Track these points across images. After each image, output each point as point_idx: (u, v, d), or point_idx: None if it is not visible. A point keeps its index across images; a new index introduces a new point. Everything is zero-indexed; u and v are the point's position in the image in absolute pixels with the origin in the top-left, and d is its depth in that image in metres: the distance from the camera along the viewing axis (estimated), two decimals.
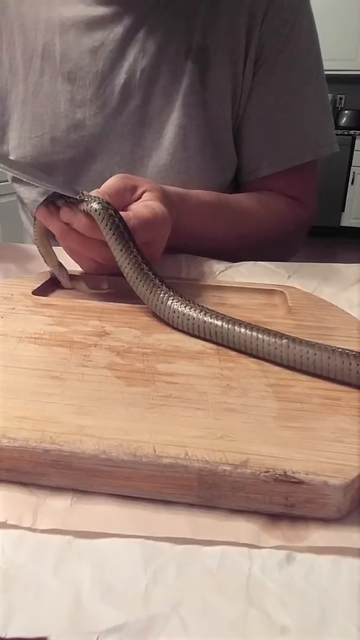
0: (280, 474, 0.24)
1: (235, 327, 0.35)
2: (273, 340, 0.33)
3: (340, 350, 0.31)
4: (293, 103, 0.66)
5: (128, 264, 0.40)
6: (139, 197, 0.48)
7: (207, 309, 0.37)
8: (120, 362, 0.33)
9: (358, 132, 4.43)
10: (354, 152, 4.48)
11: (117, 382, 0.31)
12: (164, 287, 0.39)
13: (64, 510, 0.24)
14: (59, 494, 0.25)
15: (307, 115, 0.67)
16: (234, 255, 0.57)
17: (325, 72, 0.68)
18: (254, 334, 0.34)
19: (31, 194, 0.72)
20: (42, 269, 0.50)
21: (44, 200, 0.43)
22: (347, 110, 4.67)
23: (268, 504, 0.24)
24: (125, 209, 0.46)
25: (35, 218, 0.45)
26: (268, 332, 0.34)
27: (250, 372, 0.33)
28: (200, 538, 0.23)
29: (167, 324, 0.39)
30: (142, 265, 0.40)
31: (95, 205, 0.40)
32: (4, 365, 0.32)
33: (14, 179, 0.75)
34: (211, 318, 0.36)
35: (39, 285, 0.45)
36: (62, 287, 0.48)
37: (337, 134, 0.75)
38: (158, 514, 0.24)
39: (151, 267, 0.41)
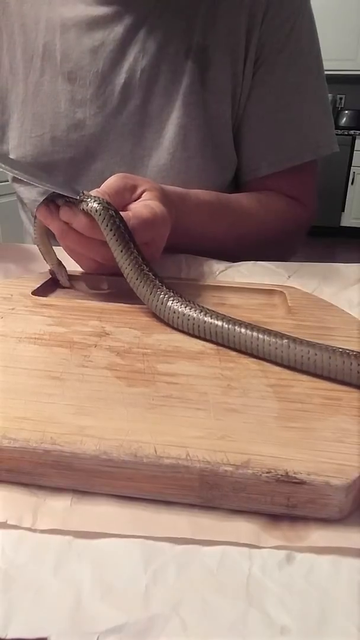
0: (281, 475, 0.24)
1: (236, 327, 0.35)
2: (274, 340, 0.33)
3: (340, 350, 0.31)
4: (293, 103, 0.66)
5: (128, 264, 0.40)
6: (139, 197, 0.48)
7: (207, 309, 0.37)
8: (121, 363, 0.33)
9: (358, 132, 4.43)
10: (354, 152, 4.48)
11: (117, 383, 0.31)
12: (164, 288, 0.39)
13: (64, 511, 0.24)
14: (59, 494, 0.25)
15: (307, 115, 0.67)
16: (233, 255, 0.57)
17: (325, 72, 0.68)
18: (255, 334, 0.34)
19: (31, 193, 0.72)
20: (42, 269, 0.50)
21: (44, 200, 0.43)
22: (347, 110, 4.67)
23: (270, 504, 0.24)
24: (124, 208, 0.46)
25: (35, 217, 0.45)
26: (268, 332, 0.34)
27: (251, 372, 0.33)
28: (200, 538, 0.23)
29: (167, 324, 0.39)
30: (142, 266, 0.40)
31: (95, 205, 0.40)
32: (3, 365, 0.32)
33: (14, 179, 0.75)
34: (211, 318, 0.36)
35: (38, 286, 0.45)
36: (62, 287, 0.48)
37: (337, 134, 0.75)
38: (158, 514, 0.24)
39: (151, 267, 0.41)
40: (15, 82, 0.67)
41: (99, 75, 0.64)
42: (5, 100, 0.69)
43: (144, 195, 0.48)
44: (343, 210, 4.65)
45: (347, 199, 4.63)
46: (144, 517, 0.24)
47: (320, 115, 0.68)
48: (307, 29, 0.65)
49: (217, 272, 0.54)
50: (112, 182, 0.47)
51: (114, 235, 0.40)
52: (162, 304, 0.38)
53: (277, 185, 0.69)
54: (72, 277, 0.49)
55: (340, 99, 4.81)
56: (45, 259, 0.47)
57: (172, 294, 0.39)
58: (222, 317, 0.36)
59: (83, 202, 0.41)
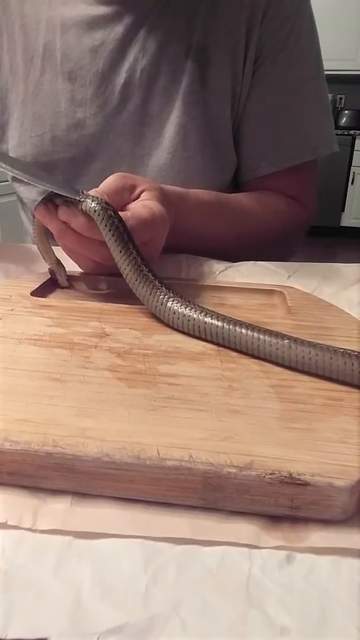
0: (285, 476, 0.24)
1: (237, 328, 0.35)
2: (275, 340, 0.33)
3: (342, 350, 0.31)
4: (293, 103, 0.66)
5: (127, 265, 0.40)
6: (137, 197, 0.48)
7: (208, 309, 0.37)
8: (121, 364, 0.33)
9: (358, 132, 4.43)
10: (354, 152, 4.48)
11: (118, 384, 0.31)
12: (164, 289, 0.39)
13: (64, 511, 0.24)
14: (59, 495, 0.25)
15: (306, 115, 0.67)
16: (233, 255, 0.57)
17: (325, 72, 0.68)
18: (256, 334, 0.34)
19: (31, 193, 0.72)
20: (41, 270, 0.50)
21: (42, 199, 0.43)
22: (347, 110, 4.67)
23: (273, 506, 0.24)
24: (123, 208, 0.46)
25: (34, 216, 0.45)
26: (269, 332, 0.34)
27: (252, 373, 0.33)
28: (200, 538, 0.23)
29: (167, 325, 0.39)
30: (141, 267, 0.40)
31: (94, 205, 0.40)
32: (4, 367, 0.32)
33: (14, 178, 0.75)
34: (212, 319, 0.36)
35: (37, 286, 0.45)
36: (61, 287, 0.48)
37: (337, 134, 0.75)
38: (158, 515, 0.24)
39: (150, 268, 0.41)
40: (16, 81, 0.67)
41: (99, 75, 0.64)
42: (5, 99, 0.69)
43: (143, 195, 0.48)
44: (343, 210, 4.65)
45: (347, 199, 4.63)
46: (144, 517, 0.24)
47: (320, 115, 0.68)
48: (307, 28, 0.65)
49: (217, 272, 0.54)
50: (110, 181, 0.47)
51: (113, 235, 0.40)
52: (161, 304, 0.38)
53: (276, 185, 0.69)
54: (71, 278, 0.48)
55: (340, 99, 4.80)
56: (44, 258, 0.47)
57: (171, 294, 0.39)
58: (223, 318, 0.36)
59: (82, 202, 0.41)
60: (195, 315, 0.37)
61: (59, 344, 0.35)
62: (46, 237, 0.46)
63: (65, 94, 0.65)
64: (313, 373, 0.32)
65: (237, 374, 0.32)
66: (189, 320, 0.37)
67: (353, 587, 0.21)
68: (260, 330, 0.34)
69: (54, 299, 0.44)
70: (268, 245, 0.68)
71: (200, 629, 0.20)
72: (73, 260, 0.48)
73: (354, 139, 4.44)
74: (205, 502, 0.24)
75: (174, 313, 0.38)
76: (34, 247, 0.47)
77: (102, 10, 0.63)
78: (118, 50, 0.63)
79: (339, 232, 4.63)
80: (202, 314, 0.37)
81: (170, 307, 0.38)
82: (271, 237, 0.68)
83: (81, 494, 0.25)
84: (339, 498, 0.23)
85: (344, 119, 4.63)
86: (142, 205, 0.45)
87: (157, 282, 0.40)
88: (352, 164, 4.53)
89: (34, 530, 0.23)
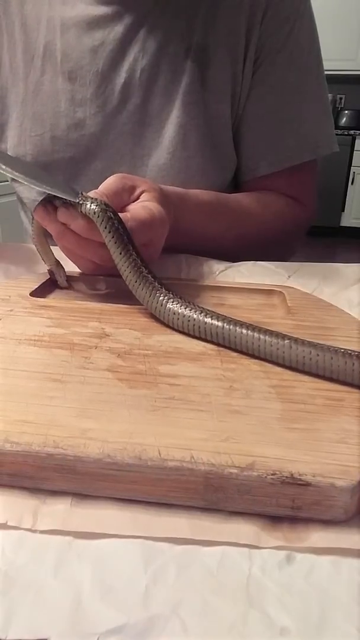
0: (287, 477, 0.24)
1: (237, 328, 0.35)
2: (275, 340, 0.33)
3: (342, 350, 0.31)
4: (292, 103, 0.66)
5: (127, 267, 0.40)
6: (137, 198, 0.48)
7: (208, 310, 0.37)
8: (122, 364, 0.33)
9: (358, 132, 4.43)
10: (354, 152, 4.48)
11: (119, 385, 0.31)
12: (164, 290, 0.39)
13: (64, 511, 0.24)
14: (59, 496, 0.25)
15: (306, 115, 0.67)
16: (233, 255, 0.57)
17: (325, 72, 0.68)
18: (256, 334, 0.34)
19: (31, 193, 0.72)
20: (41, 270, 0.50)
21: (41, 200, 0.43)
22: (347, 110, 4.67)
23: (275, 506, 0.24)
24: (123, 209, 0.46)
25: (33, 217, 0.45)
26: (270, 332, 0.34)
27: (253, 373, 0.33)
28: (200, 538, 0.23)
29: (167, 325, 0.39)
30: (141, 268, 0.40)
31: (94, 207, 0.40)
32: (4, 368, 0.32)
33: (14, 178, 0.75)
34: (212, 319, 0.36)
35: (36, 287, 0.45)
36: (60, 287, 0.48)
37: (337, 134, 0.75)
38: (158, 515, 0.24)
39: (150, 269, 0.41)
40: (15, 81, 0.67)
41: (99, 75, 0.64)
42: (5, 99, 0.69)
43: (143, 196, 0.48)
44: (343, 210, 4.65)
45: (347, 199, 4.63)
46: (144, 517, 0.24)
47: (320, 115, 0.68)
48: (307, 28, 0.65)
49: (217, 272, 0.54)
50: (110, 183, 0.47)
51: (113, 237, 0.40)
52: (161, 305, 0.38)
53: (276, 185, 0.69)
54: (70, 278, 0.48)
55: (340, 99, 4.80)
56: (43, 260, 0.47)
57: (171, 295, 0.39)
58: (223, 318, 0.36)
59: (81, 204, 0.41)
60: (195, 316, 0.37)
61: (58, 344, 0.35)
62: (45, 238, 0.46)
63: (65, 93, 0.65)
64: (314, 373, 0.32)
65: (238, 374, 0.32)
66: (189, 320, 0.37)
67: (353, 587, 0.21)
68: (260, 330, 0.34)
69: (54, 300, 0.44)
70: (268, 245, 0.68)
71: (200, 629, 0.20)
72: (72, 261, 0.48)
73: (354, 139, 4.44)
74: (206, 502, 0.24)
75: (174, 314, 0.38)
76: (34, 247, 0.47)
77: (102, 10, 0.63)
78: (118, 50, 0.63)
79: (339, 232, 4.63)
80: (202, 314, 0.37)
81: (170, 308, 0.38)
82: (271, 237, 0.68)
83: (81, 494, 0.25)
84: (340, 498, 0.23)
85: (344, 119, 4.63)
86: (142, 207, 0.45)
87: (156, 284, 0.40)
88: (352, 164, 4.53)
89: (34, 531, 0.23)
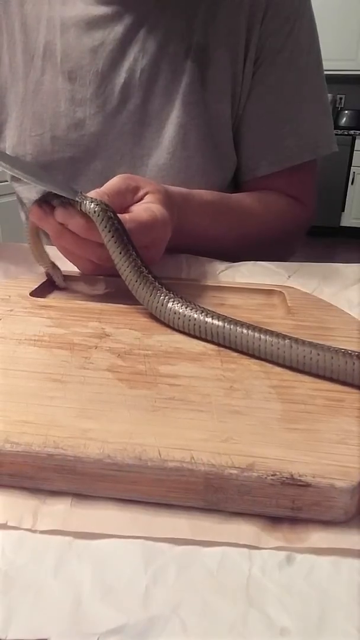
0: (287, 477, 0.24)
1: (237, 328, 0.35)
2: (276, 340, 0.33)
3: (343, 350, 0.31)
4: (292, 103, 0.66)
5: (127, 267, 0.40)
6: (141, 199, 0.48)
7: (208, 310, 0.37)
8: (122, 364, 0.33)
9: (358, 132, 4.43)
10: (354, 152, 4.48)
11: (119, 385, 0.31)
12: (164, 290, 0.39)
13: (64, 512, 0.24)
14: (59, 496, 0.25)
15: (306, 115, 0.67)
16: (235, 254, 0.57)
17: (325, 72, 0.68)
18: (257, 334, 0.34)
19: (30, 193, 0.72)
20: (41, 270, 0.50)
21: (37, 200, 0.43)
22: (347, 110, 4.67)
23: (275, 507, 0.24)
24: (126, 210, 0.46)
25: (27, 218, 0.44)
26: (270, 332, 0.34)
27: (253, 373, 0.33)
28: (200, 539, 0.23)
29: (167, 325, 0.39)
30: (141, 269, 0.40)
31: (94, 206, 0.40)
32: (4, 368, 0.32)
33: (13, 178, 0.75)
34: (213, 319, 0.36)
35: (36, 287, 0.45)
36: (58, 288, 0.48)
37: (337, 134, 0.75)
38: (158, 516, 0.24)
39: (150, 270, 0.40)
40: (15, 80, 0.67)
41: (99, 75, 0.64)
42: (4, 98, 0.69)
43: (146, 198, 0.48)
44: (343, 210, 4.65)
45: (347, 199, 4.63)
46: (144, 518, 0.24)
47: (319, 115, 0.68)
48: (307, 28, 0.65)
49: (217, 273, 0.54)
50: (114, 182, 0.46)
51: (113, 237, 0.40)
52: (162, 305, 0.38)
53: (276, 184, 0.69)
54: (70, 278, 0.48)
55: (340, 99, 4.80)
56: (38, 262, 0.46)
57: (172, 295, 0.39)
58: (224, 318, 0.36)
59: (81, 203, 0.41)
60: (196, 316, 0.37)
61: (58, 344, 0.35)
62: (40, 240, 0.46)
63: (65, 93, 0.65)
64: (314, 373, 0.32)
65: (238, 374, 0.32)
66: (189, 320, 0.37)
67: (353, 587, 0.21)
68: (261, 330, 0.34)
69: (54, 299, 0.44)
70: (269, 245, 0.68)
71: (200, 630, 0.20)
72: (70, 261, 0.47)
73: (354, 139, 4.44)
74: (206, 503, 0.24)
75: (175, 313, 0.38)
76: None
77: (102, 10, 0.63)
78: (118, 50, 0.63)
79: (339, 232, 4.63)
80: (203, 314, 0.37)
81: (171, 308, 0.38)
82: (272, 237, 0.68)
83: (81, 494, 0.25)
84: (340, 499, 0.23)
85: (344, 119, 4.63)
86: (144, 208, 0.45)
87: (157, 284, 0.39)
88: (352, 164, 4.53)
89: (34, 531, 0.23)
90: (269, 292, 0.47)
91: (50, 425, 0.26)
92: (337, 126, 4.39)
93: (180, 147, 0.65)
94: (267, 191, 0.69)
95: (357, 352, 0.31)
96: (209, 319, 0.36)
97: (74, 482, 0.25)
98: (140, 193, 0.48)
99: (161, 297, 0.39)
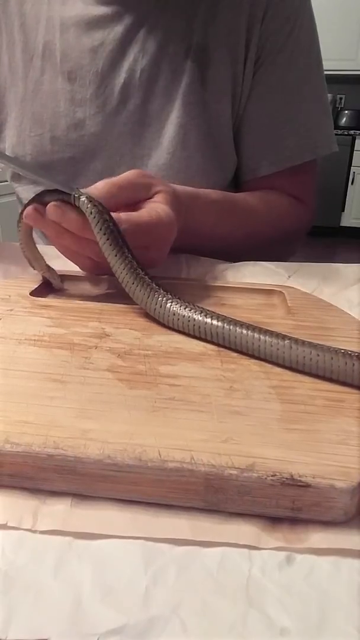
0: (287, 478, 0.24)
1: (237, 328, 0.35)
2: (275, 341, 0.33)
3: (343, 351, 0.31)
4: (293, 103, 0.66)
5: (123, 269, 0.39)
6: (151, 197, 0.48)
7: (208, 310, 0.37)
8: (122, 365, 0.33)
9: (358, 132, 4.43)
10: (354, 152, 4.48)
11: (119, 385, 0.31)
12: (161, 291, 0.39)
13: (64, 512, 0.24)
14: (59, 496, 0.25)
15: (306, 115, 0.67)
16: (239, 254, 0.57)
17: (325, 72, 0.68)
18: (257, 335, 0.34)
19: (29, 194, 0.72)
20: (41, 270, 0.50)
21: (30, 201, 0.42)
22: (347, 110, 4.67)
23: (274, 507, 0.24)
24: (136, 205, 0.45)
25: (19, 220, 0.43)
26: (270, 333, 0.34)
27: (253, 373, 0.33)
28: (200, 539, 0.23)
29: (166, 325, 0.39)
30: (137, 270, 0.39)
31: (87, 203, 0.39)
32: (4, 368, 0.32)
33: (13, 178, 0.75)
34: (213, 319, 0.36)
35: (36, 286, 0.45)
36: (56, 290, 0.48)
37: (337, 134, 0.75)
38: (158, 516, 0.24)
39: (147, 271, 0.40)
40: (14, 81, 0.67)
41: (99, 75, 0.64)
42: (3, 98, 0.69)
43: (156, 197, 0.47)
44: (343, 210, 4.65)
45: (347, 199, 4.62)
46: (144, 518, 0.24)
47: (319, 115, 0.68)
48: (307, 28, 0.65)
49: (217, 273, 0.54)
50: (128, 175, 0.46)
51: (108, 239, 0.39)
52: (161, 306, 0.38)
53: (277, 184, 0.69)
54: (69, 278, 0.48)
55: (340, 99, 4.80)
56: (32, 266, 0.46)
57: (170, 296, 0.39)
58: (224, 318, 0.36)
59: (77, 198, 0.40)
60: (196, 316, 0.37)
61: (58, 344, 0.35)
62: (33, 242, 0.45)
63: (64, 93, 0.65)
64: (314, 374, 0.32)
65: (238, 374, 0.32)
66: (189, 320, 0.37)
67: (353, 588, 0.21)
68: (261, 330, 0.34)
69: (54, 299, 0.44)
70: (272, 245, 0.68)
71: (200, 630, 0.20)
72: (70, 260, 0.47)
73: (354, 139, 4.44)
74: (206, 503, 0.24)
75: (174, 314, 0.38)
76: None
77: (102, 10, 0.63)
78: (118, 50, 0.63)
79: (339, 232, 4.63)
80: (202, 314, 0.37)
81: (170, 309, 0.38)
82: (276, 236, 0.68)
83: (81, 494, 0.25)
84: (340, 500, 0.23)
85: (344, 119, 4.63)
86: (148, 209, 0.45)
87: (154, 285, 0.39)
88: (352, 164, 4.53)
89: (34, 531, 0.23)
90: (269, 292, 0.47)
91: (51, 426, 0.26)
92: (337, 126, 4.39)
93: (180, 147, 0.65)
94: (269, 190, 0.69)
95: (357, 352, 0.31)
96: (208, 320, 0.36)
97: (74, 483, 0.25)
98: (152, 191, 0.48)
99: (160, 298, 0.39)
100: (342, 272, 0.53)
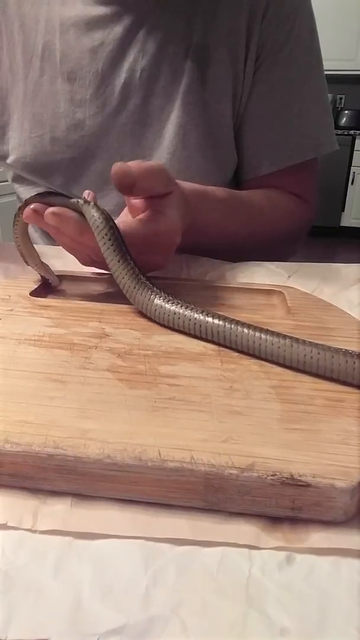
0: (286, 477, 0.23)
1: (238, 328, 0.35)
2: (276, 340, 0.33)
3: (343, 350, 0.31)
4: (293, 102, 0.66)
5: (125, 274, 0.39)
6: (164, 195, 0.47)
7: (208, 310, 0.37)
8: (122, 365, 0.33)
9: (358, 132, 4.43)
10: (354, 152, 4.48)
11: (119, 385, 0.31)
12: (162, 293, 0.39)
13: (64, 512, 0.24)
14: (59, 496, 0.25)
15: (307, 114, 0.67)
16: (245, 252, 0.57)
17: (325, 72, 0.69)
18: (257, 333, 0.34)
19: (30, 194, 0.72)
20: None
21: (31, 198, 0.42)
22: (347, 110, 4.67)
23: (275, 507, 0.24)
24: (152, 198, 0.45)
25: (16, 217, 0.43)
26: (271, 332, 0.34)
27: (253, 373, 0.33)
28: (200, 539, 0.23)
29: (166, 325, 0.39)
30: (139, 276, 0.39)
31: (95, 212, 0.40)
32: (4, 368, 0.32)
33: (14, 179, 0.75)
34: (213, 319, 0.36)
35: (36, 286, 0.45)
36: (54, 288, 0.48)
37: (337, 134, 0.75)
38: (158, 516, 0.24)
39: (148, 276, 0.40)
40: (15, 82, 0.67)
41: (99, 75, 0.64)
42: (5, 100, 0.69)
43: (167, 199, 0.47)
44: (343, 210, 4.65)
45: (347, 199, 4.62)
46: (144, 518, 0.24)
47: (320, 114, 0.68)
48: (307, 27, 0.65)
49: (217, 273, 0.54)
50: (157, 167, 0.45)
51: (112, 245, 0.39)
52: (162, 307, 0.38)
53: (278, 183, 0.69)
54: (69, 278, 0.48)
55: (340, 99, 4.80)
56: (26, 262, 0.46)
57: (170, 297, 0.39)
58: (224, 318, 0.36)
59: (82, 206, 0.40)
60: (197, 315, 0.37)
61: (58, 344, 0.35)
62: (29, 238, 0.45)
63: (64, 94, 0.65)
64: (314, 373, 0.32)
65: (238, 374, 0.32)
66: (190, 320, 0.37)
67: (353, 588, 0.21)
68: (261, 330, 0.34)
69: (54, 299, 0.44)
70: (276, 243, 0.68)
71: (200, 630, 0.20)
72: (71, 253, 0.47)
73: (354, 139, 4.44)
74: (206, 503, 0.24)
75: (175, 314, 0.37)
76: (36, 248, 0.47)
77: (101, 10, 0.63)
78: (117, 50, 0.63)
79: (339, 232, 4.63)
80: (203, 314, 0.37)
81: (170, 309, 0.38)
82: (280, 235, 0.68)
83: (81, 494, 0.25)
84: (340, 499, 0.23)
85: (344, 119, 4.62)
86: (156, 215, 0.45)
87: (155, 289, 0.39)
88: (352, 164, 4.53)
89: (34, 531, 0.23)
90: (269, 292, 0.47)
91: (50, 426, 0.26)
92: (337, 126, 4.39)
93: (181, 147, 0.65)
94: (272, 189, 0.69)
95: (357, 352, 0.31)
96: (209, 319, 0.36)
97: (74, 482, 0.25)
98: (168, 189, 0.48)
99: (159, 300, 0.38)
100: (342, 272, 0.53)
